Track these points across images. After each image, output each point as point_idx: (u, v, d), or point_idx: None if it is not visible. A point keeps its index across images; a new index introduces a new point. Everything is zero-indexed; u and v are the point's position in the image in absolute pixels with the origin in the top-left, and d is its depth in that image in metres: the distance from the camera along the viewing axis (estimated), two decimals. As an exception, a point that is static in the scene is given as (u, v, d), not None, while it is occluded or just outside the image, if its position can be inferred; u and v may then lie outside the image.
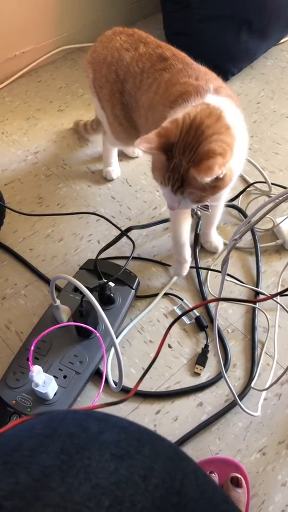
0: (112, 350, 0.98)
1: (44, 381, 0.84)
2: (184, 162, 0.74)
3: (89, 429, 0.33)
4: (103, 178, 1.33)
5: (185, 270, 1.05)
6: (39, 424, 0.34)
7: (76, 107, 1.56)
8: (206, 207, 0.86)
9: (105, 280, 0.95)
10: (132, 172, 1.35)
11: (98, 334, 0.85)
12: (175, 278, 1.09)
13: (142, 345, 1.00)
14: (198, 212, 1.15)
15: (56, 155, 1.40)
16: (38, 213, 1.22)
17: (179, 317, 0.64)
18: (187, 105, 0.83)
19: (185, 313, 0.67)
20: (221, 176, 0.75)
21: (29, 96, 1.61)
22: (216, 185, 0.76)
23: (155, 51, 0.96)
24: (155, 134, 0.75)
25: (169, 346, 1.00)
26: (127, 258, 1.13)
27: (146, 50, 0.97)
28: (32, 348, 0.80)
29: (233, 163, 0.78)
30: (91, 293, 0.78)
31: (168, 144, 0.75)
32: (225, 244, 1.15)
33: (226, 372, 0.94)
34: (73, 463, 0.31)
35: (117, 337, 0.99)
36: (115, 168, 1.32)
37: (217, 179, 0.75)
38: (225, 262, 0.64)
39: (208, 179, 0.72)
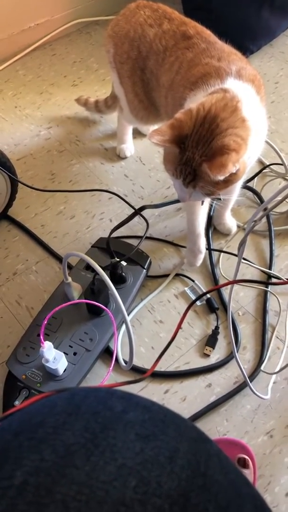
0: (122, 328, 0.98)
1: (54, 357, 0.85)
2: (197, 156, 0.72)
3: (113, 407, 0.33)
4: (117, 156, 1.31)
5: (199, 261, 1.03)
6: (61, 401, 0.33)
7: (90, 82, 1.53)
8: (218, 198, 0.84)
9: (118, 259, 0.94)
10: (146, 150, 1.33)
11: (109, 312, 0.84)
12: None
13: (152, 324, 1.00)
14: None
15: (69, 131, 1.39)
16: (50, 189, 1.21)
17: (194, 301, 0.64)
18: (207, 88, 0.81)
19: (199, 297, 0.67)
20: (234, 171, 0.72)
21: (43, 69, 1.58)
22: (229, 179, 0.74)
23: (179, 29, 0.93)
24: (168, 126, 0.73)
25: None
26: (139, 237, 1.12)
27: (170, 27, 0.94)
28: (44, 323, 0.80)
29: (247, 156, 0.76)
30: (103, 271, 0.78)
31: (181, 137, 0.73)
32: (238, 226, 1.14)
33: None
34: (98, 442, 0.30)
35: (128, 315, 0.99)
36: (129, 146, 1.30)
37: (230, 174, 0.73)
38: (241, 244, 0.63)
39: (221, 177, 0.70)
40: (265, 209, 0.60)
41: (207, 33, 0.93)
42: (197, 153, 0.72)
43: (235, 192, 0.99)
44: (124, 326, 0.98)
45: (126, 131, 1.28)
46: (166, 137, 0.72)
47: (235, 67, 0.83)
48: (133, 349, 0.78)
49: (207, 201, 0.92)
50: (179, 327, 0.54)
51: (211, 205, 1.11)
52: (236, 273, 0.71)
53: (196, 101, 0.80)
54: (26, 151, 1.34)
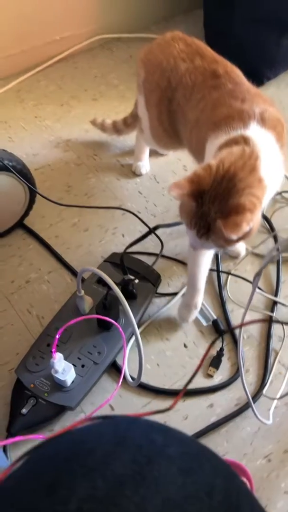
0: (129, 345, 1.00)
1: (63, 369, 0.87)
2: (213, 211, 0.75)
3: (155, 440, 0.35)
4: (132, 172, 1.35)
5: (192, 317, 1.03)
6: (108, 431, 0.35)
7: (110, 98, 1.57)
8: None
9: (132, 277, 0.97)
10: (161, 169, 1.36)
11: (120, 328, 0.87)
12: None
13: (159, 342, 1.02)
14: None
15: (87, 144, 1.42)
16: (66, 201, 1.24)
17: (220, 335, 0.65)
18: (229, 131, 0.84)
19: (223, 332, 0.69)
20: (248, 230, 0.75)
21: (65, 82, 1.62)
22: (241, 237, 0.77)
23: (210, 66, 0.96)
24: (187, 180, 0.75)
25: (185, 346, 1.02)
26: (149, 254, 1.15)
27: (202, 63, 0.97)
28: (58, 336, 0.82)
29: (259, 215, 0.78)
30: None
31: (199, 191, 0.75)
32: (247, 250, 1.16)
33: (238, 377, 0.97)
34: (144, 474, 0.32)
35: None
36: (145, 164, 1.33)
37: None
38: (257, 275, 0.66)
39: (234, 237, 0.72)
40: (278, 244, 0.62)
41: (236, 73, 0.95)
42: (213, 209, 0.74)
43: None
44: (130, 342, 1.01)
45: (143, 150, 1.31)
46: (185, 191, 0.74)
47: (258, 109, 0.85)
48: (143, 365, 0.81)
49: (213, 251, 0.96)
50: (204, 358, 0.55)
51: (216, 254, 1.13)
52: (248, 304, 0.73)
53: (217, 143, 0.83)
54: (44, 161, 1.37)
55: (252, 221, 0.73)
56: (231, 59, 1.06)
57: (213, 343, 0.64)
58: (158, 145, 1.20)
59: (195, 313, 1.04)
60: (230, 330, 0.76)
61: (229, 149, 0.80)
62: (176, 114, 1.04)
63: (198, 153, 0.97)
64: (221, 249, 0.83)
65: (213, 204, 0.75)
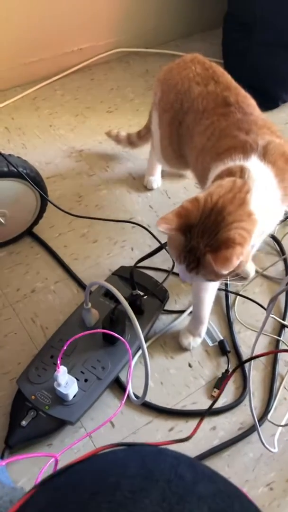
0: (133, 360, 0.99)
1: (66, 382, 0.85)
2: (202, 245, 0.73)
3: (184, 477, 0.33)
4: (143, 186, 1.34)
5: (195, 344, 1.02)
6: (133, 463, 0.34)
7: (124, 111, 1.57)
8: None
9: (141, 293, 0.96)
10: (172, 185, 1.36)
11: (127, 344, 0.85)
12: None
13: (163, 360, 1.01)
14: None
15: (100, 156, 1.42)
16: (76, 211, 1.23)
17: (241, 364, 0.64)
18: (228, 162, 0.83)
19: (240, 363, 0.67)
20: (238, 264, 0.73)
21: (80, 92, 1.63)
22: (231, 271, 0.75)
23: (222, 93, 0.95)
24: (174, 214, 0.74)
25: (189, 365, 1.00)
26: (157, 269, 1.14)
27: (215, 89, 0.97)
28: (64, 348, 0.81)
29: (251, 246, 0.77)
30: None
31: (187, 225, 0.74)
32: (257, 272, 1.15)
33: (243, 401, 0.95)
34: None
35: (139, 349, 1.00)
36: (157, 179, 1.33)
37: None
38: (272, 301, 0.65)
39: (225, 272, 0.71)
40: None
41: (247, 102, 0.94)
42: (202, 243, 0.73)
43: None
44: (134, 359, 0.99)
45: (155, 165, 1.31)
46: (173, 225, 0.73)
47: (262, 142, 0.83)
48: (148, 384, 0.79)
49: (216, 285, 0.96)
50: (224, 386, 0.54)
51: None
52: (262, 327, 0.72)
53: (216, 173, 0.82)
54: (56, 170, 1.37)
55: (242, 255, 0.71)
56: (247, 80, 1.06)
57: (231, 375, 0.62)
58: (167, 163, 1.19)
59: (199, 341, 1.03)
60: (241, 364, 0.73)
61: (219, 181, 0.78)
62: (184, 137, 1.04)
63: (202, 180, 0.96)
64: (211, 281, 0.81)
65: (202, 238, 0.73)
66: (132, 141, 1.34)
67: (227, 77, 1.00)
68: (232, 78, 1.01)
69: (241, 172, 0.79)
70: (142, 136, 1.32)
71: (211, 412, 0.93)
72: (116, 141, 1.38)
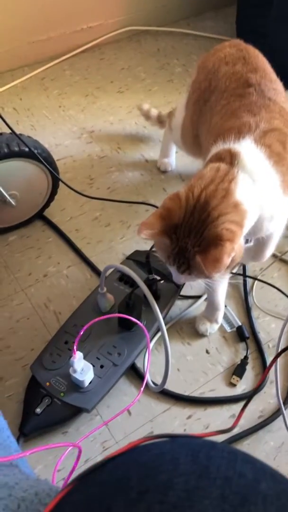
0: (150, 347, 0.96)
1: (82, 368, 0.83)
2: (190, 246, 0.68)
3: (244, 474, 0.30)
4: (157, 168, 1.30)
5: (212, 331, 0.99)
6: (184, 458, 0.30)
7: (136, 91, 1.53)
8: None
9: (157, 277, 0.93)
10: (186, 167, 1.31)
11: (145, 329, 0.82)
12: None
13: (180, 346, 0.98)
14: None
15: (111, 137, 1.38)
16: (88, 194, 1.20)
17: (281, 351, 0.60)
18: (221, 144, 0.77)
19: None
20: (229, 262, 0.68)
21: (90, 72, 1.58)
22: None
23: (246, 74, 0.90)
24: (156, 217, 0.69)
25: (207, 352, 0.98)
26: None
27: (241, 69, 0.91)
28: (80, 334, 0.78)
29: (242, 240, 0.72)
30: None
31: (171, 226, 0.69)
32: (275, 256, 1.12)
33: (262, 389, 0.92)
34: None
35: (155, 335, 0.97)
36: (171, 161, 1.29)
37: None
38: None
39: (217, 273, 0.67)
40: None
41: (271, 87, 0.88)
42: (190, 243, 0.68)
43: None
44: (151, 344, 0.96)
45: (170, 146, 1.26)
46: (156, 230, 0.68)
47: (265, 125, 0.78)
48: (169, 370, 0.76)
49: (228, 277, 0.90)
50: (265, 374, 0.51)
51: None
52: (281, 333, 0.69)
53: (209, 157, 0.78)
54: (66, 152, 1.33)
55: (234, 250, 0.67)
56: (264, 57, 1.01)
57: (279, 355, 0.58)
58: (184, 146, 1.15)
59: (216, 327, 0.99)
60: (277, 356, 0.68)
61: (200, 171, 0.73)
62: (204, 117, 0.98)
63: None
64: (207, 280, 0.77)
65: (189, 238, 0.68)
66: (162, 120, 1.30)
67: (260, 60, 0.94)
68: (267, 62, 0.95)
69: (230, 157, 0.73)
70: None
71: (231, 399, 0.91)
72: (145, 116, 1.33)
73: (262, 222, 0.76)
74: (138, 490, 0.28)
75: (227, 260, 0.65)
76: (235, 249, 0.67)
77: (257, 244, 0.94)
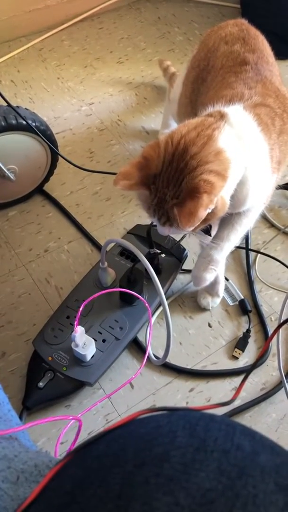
0: (152, 321, 0.96)
1: (84, 343, 0.83)
2: (168, 197, 0.65)
3: (242, 446, 0.30)
4: (158, 141, 1.28)
5: (214, 304, 0.98)
6: (182, 431, 0.30)
7: (136, 61, 1.49)
8: (207, 231, 0.77)
9: (158, 251, 0.92)
10: (188, 139, 1.29)
11: (146, 303, 0.82)
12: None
13: (182, 320, 0.98)
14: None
15: (111, 109, 1.35)
16: (88, 167, 1.18)
17: (283, 322, 0.59)
18: (211, 108, 0.74)
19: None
20: (209, 211, 0.65)
21: (89, 42, 1.54)
22: (206, 218, 0.66)
23: (244, 54, 0.87)
24: (134, 166, 0.65)
25: (209, 325, 0.97)
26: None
27: (239, 49, 0.88)
28: (81, 308, 0.78)
29: (227, 191, 0.68)
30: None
31: (149, 176, 0.65)
32: (277, 228, 1.10)
33: (265, 361, 0.92)
34: (237, 490, 0.27)
35: (157, 309, 0.97)
36: (172, 132, 1.26)
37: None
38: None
39: (190, 228, 0.63)
40: None
41: (268, 68, 0.85)
42: (169, 194, 0.65)
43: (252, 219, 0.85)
44: (153, 318, 0.96)
45: (171, 116, 1.23)
46: (133, 181, 0.65)
47: (258, 99, 0.75)
48: (171, 343, 0.76)
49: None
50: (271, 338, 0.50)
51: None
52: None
53: None
54: (65, 125, 1.30)
55: (212, 203, 0.63)
56: (267, 25, 0.98)
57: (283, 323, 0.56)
58: (180, 122, 1.12)
59: (218, 301, 0.99)
60: (278, 327, 0.67)
61: (187, 120, 0.69)
62: (201, 97, 0.96)
63: None
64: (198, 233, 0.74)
65: (168, 188, 0.65)
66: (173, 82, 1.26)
67: (259, 41, 0.91)
68: (266, 44, 0.92)
69: (219, 115, 0.70)
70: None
71: (233, 372, 0.91)
72: (164, 72, 1.30)
73: (243, 188, 0.72)
74: (134, 463, 0.28)
75: (202, 214, 0.62)
76: (214, 201, 0.64)
77: (227, 224, 0.83)
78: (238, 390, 0.46)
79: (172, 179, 0.64)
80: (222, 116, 0.70)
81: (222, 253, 0.82)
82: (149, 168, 0.65)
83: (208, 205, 0.63)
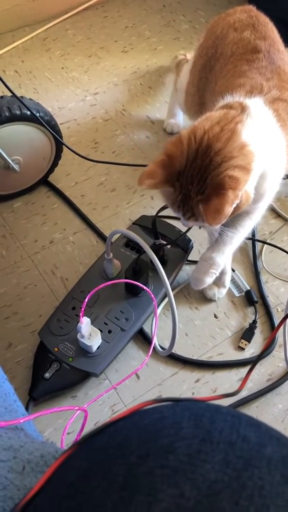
0: (157, 312, 0.95)
1: (90, 333, 0.83)
2: (193, 193, 0.65)
3: (248, 438, 0.30)
4: (163, 130, 1.27)
5: (220, 295, 0.98)
6: (187, 422, 0.30)
7: (141, 50, 1.47)
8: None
9: (164, 242, 0.91)
10: (194, 129, 1.27)
11: (152, 295, 0.82)
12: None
13: (187, 310, 0.97)
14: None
15: (116, 99, 1.34)
16: (93, 158, 1.17)
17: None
18: (229, 98, 0.74)
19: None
20: (234, 206, 0.65)
21: (93, 32, 1.52)
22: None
23: (255, 41, 0.85)
24: (158, 165, 0.65)
25: (215, 316, 0.97)
26: (178, 218, 1.09)
27: (249, 36, 0.87)
28: (87, 299, 0.77)
29: (251, 184, 0.68)
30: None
31: (174, 174, 0.65)
32: (283, 219, 1.10)
33: (271, 352, 0.92)
34: (243, 481, 0.27)
35: (163, 300, 0.97)
36: (178, 121, 1.25)
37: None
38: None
39: (217, 225, 0.63)
40: None
41: (280, 56, 0.84)
42: (193, 191, 0.65)
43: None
44: (158, 309, 0.96)
45: (176, 107, 1.22)
46: (157, 179, 0.65)
47: (277, 93, 0.75)
48: (176, 334, 0.76)
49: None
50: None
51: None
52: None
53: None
54: (70, 115, 1.30)
55: (238, 198, 0.63)
56: (276, 11, 0.96)
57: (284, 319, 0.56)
58: (188, 111, 1.11)
59: (224, 292, 0.98)
60: (284, 319, 0.66)
61: (208, 113, 0.69)
62: (210, 85, 0.95)
63: None
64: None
65: (192, 185, 0.65)
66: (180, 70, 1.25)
67: (269, 29, 0.90)
68: (276, 32, 0.90)
69: (240, 108, 0.70)
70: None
71: (239, 363, 0.91)
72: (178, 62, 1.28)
73: (264, 183, 0.72)
74: (138, 454, 0.28)
75: (228, 210, 0.62)
76: (239, 196, 0.64)
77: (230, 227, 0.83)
78: (244, 381, 0.46)
79: (196, 175, 0.65)
80: (243, 109, 0.70)
81: (224, 257, 0.82)
82: (172, 166, 0.66)
83: (233, 201, 0.63)
